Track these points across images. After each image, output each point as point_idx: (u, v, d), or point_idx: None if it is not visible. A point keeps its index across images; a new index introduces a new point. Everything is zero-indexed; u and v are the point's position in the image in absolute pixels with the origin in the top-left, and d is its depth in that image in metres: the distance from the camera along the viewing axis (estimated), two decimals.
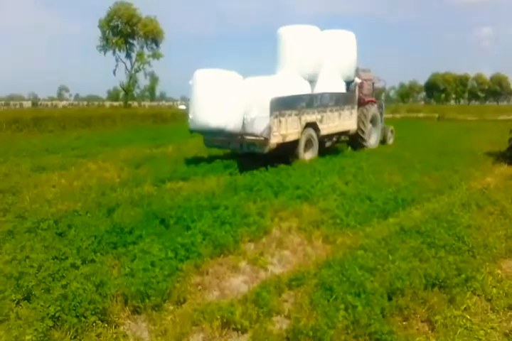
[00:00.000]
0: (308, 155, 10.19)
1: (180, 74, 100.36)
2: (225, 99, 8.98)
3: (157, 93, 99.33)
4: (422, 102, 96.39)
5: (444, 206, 6.22)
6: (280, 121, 9.16)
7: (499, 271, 4.03)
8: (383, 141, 14.35)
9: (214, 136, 9.92)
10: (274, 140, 9.06)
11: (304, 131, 9.94)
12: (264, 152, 9.16)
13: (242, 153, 10.26)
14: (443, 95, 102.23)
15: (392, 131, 15.07)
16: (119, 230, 4.73)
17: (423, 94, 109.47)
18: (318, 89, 11.05)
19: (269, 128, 8.87)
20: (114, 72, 50.39)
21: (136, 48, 51.26)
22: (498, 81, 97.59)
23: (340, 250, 4.62)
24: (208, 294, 3.72)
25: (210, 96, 8.98)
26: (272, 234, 5.14)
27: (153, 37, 50.03)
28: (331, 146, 12.32)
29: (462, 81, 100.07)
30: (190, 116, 9.37)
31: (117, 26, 49.05)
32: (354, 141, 12.78)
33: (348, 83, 12.41)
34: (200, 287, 3.82)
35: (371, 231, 5.12)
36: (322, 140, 11.03)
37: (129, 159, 11.00)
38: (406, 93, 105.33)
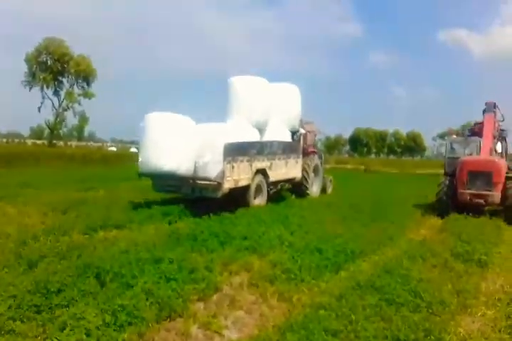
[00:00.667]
0: (257, 201, 10.33)
1: (111, 114, 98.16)
2: (177, 143, 8.99)
3: (86, 133, 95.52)
4: (346, 155, 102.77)
5: (391, 259, 6.23)
6: (233, 167, 9.30)
7: (461, 330, 3.93)
8: (323, 190, 14.84)
9: (164, 180, 9.77)
10: (227, 184, 9.14)
11: (254, 177, 10.13)
12: (217, 196, 9.17)
13: (185, 198, 10.04)
14: (365, 149, 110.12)
15: (331, 181, 15.75)
16: (43, 290, 3.97)
17: (347, 147, 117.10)
18: (267, 137, 11.46)
19: (223, 173, 8.95)
20: (39, 109, 47.45)
21: (66, 86, 49.19)
22: (413, 137, 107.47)
23: (297, 309, 4.30)
24: None
25: (162, 140, 8.94)
26: (222, 291, 4.69)
27: (85, 76, 48.60)
28: (274, 194, 12.34)
29: (382, 136, 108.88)
30: (141, 159, 9.26)
31: (46, 62, 47.02)
32: (298, 189, 13.07)
33: (293, 133, 13.02)
34: None
35: (326, 287, 4.88)
36: (269, 187, 11.19)
37: (55, 203, 9.95)
38: (332, 145, 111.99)
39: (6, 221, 7.83)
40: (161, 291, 4.16)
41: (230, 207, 9.34)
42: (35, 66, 46.43)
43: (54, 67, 47.17)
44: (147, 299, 3.98)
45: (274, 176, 11.09)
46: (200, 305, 4.30)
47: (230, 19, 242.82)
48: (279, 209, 10.13)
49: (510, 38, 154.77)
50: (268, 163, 10.79)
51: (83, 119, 58.27)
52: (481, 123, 13.74)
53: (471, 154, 11.81)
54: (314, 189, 13.83)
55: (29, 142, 67.15)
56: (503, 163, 10.90)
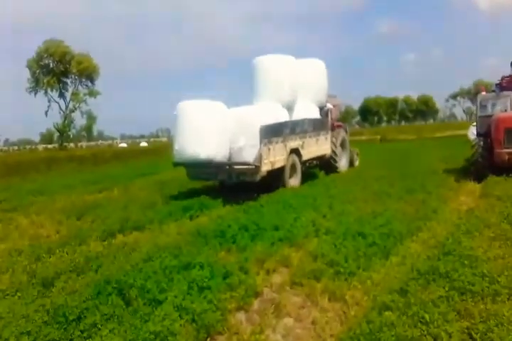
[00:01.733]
0: (292, 182, 10.20)
1: (118, 110, 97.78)
2: (212, 129, 8.98)
3: (95, 132, 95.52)
4: (357, 126, 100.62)
5: (444, 236, 5.52)
6: (269, 149, 9.19)
7: None
8: (350, 164, 14.50)
9: (199, 168, 9.68)
10: (265, 167, 9.05)
11: (288, 157, 10.04)
12: (255, 180, 9.04)
13: (203, 189, 9.91)
14: (376, 118, 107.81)
15: (357, 154, 15.46)
16: (61, 318, 3.44)
17: (357, 118, 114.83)
18: (296, 116, 11.18)
19: (260, 156, 8.84)
20: (46, 113, 47.27)
21: (70, 87, 48.82)
22: (425, 101, 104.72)
23: (353, 310, 3.68)
24: None
25: (198, 127, 8.92)
26: (263, 296, 4.10)
27: (88, 74, 48.01)
28: (305, 171, 12.14)
29: (393, 103, 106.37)
30: (176, 147, 9.22)
31: (48, 65, 46.52)
32: (326, 165, 12.87)
33: (321, 109, 12.78)
34: None
35: (381, 279, 4.24)
36: (302, 166, 11.07)
37: (69, 209, 9.45)
38: (343, 118, 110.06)
39: (18, 234, 7.35)
40: (195, 305, 3.59)
41: (255, 192, 8.99)
42: (37, 71, 45.94)
43: (56, 69, 46.58)
44: (180, 317, 3.41)
45: (306, 155, 11.00)
46: (241, 316, 3.71)
47: (224, 4, 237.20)
48: (303, 190, 9.49)
49: None
50: (300, 142, 10.68)
51: (91, 118, 58.07)
52: (510, 76, 12.74)
53: (505, 111, 10.85)
54: (342, 163, 13.58)
55: (40, 147, 67.21)
56: None
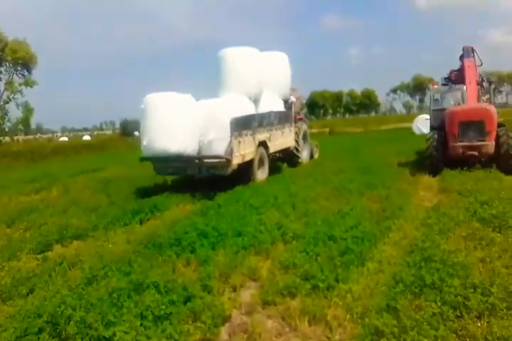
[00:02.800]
0: (260, 175, 10.15)
1: (58, 103, 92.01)
2: (181, 123, 8.74)
3: (33, 125, 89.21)
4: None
5: (416, 237, 5.22)
6: (239, 142, 9.07)
7: None
8: (311, 156, 14.62)
9: (168, 163, 9.38)
10: (236, 160, 8.94)
11: (256, 150, 9.95)
12: (226, 174, 8.95)
13: (156, 186, 9.55)
14: (322, 111, 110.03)
15: (317, 146, 15.62)
16: None
17: (305, 110, 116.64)
18: (262, 108, 11.13)
19: (231, 149, 8.72)
20: None
21: (5, 76, 44.76)
22: (367, 95, 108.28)
23: (337, 334, 3.19)
24: None
25: (166, 121, 8.65)
26: (232, 321, 3.50)
27: (25, 62, 44.23)
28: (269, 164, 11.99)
29: (338, 97, 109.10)
30: (144, 142, 8.90)
31: None
32: (289, 157, 12.92)
33: (285, 102, 12.80)
34: None
35: (362, 292, 3.79)
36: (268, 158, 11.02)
37: None
38: None
39: None
40: None
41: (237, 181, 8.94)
42: None
43: None
44: None
45: (273, 147, 10.95)
46: None
47: None
48: (262, 187, 8.96)
49: None
50: (268, 135, 10.63)
51: (28, 110, 53.92)
52: (458, 70, 12.94)
53: (458, 104, 10.95)
54: (304, 155, 13.67)
55: None
56: (493, 110, 10.06)
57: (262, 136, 10.27)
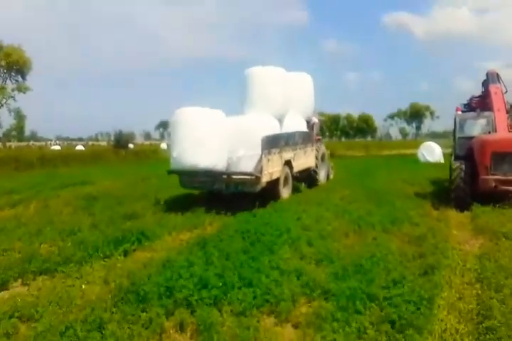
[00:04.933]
0: (285, 193, 10.08)
1: (56, 111, 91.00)
2: (212, 139, 8.73)
3: (27, 132, 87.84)
4: None
5: (473, 298, 4.00)
6: (268, 160, 9.05)
7: None
8: (327, 177, 14.55)
9: (195, 177, 9.24)
10: (265, 178, 8.90)
11: (282, 168, 9.94)
12: (255, 191, 8.86)
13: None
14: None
15: (332, 167, 15.53)
16: None
17: None
18: (286, 128, 11.01)
19: (261, 167, 8.71)
20: None
21: None
22: (365, 119, 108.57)
23: None
24: None
25: (197, 135, 8.61)
26: None
27: (19, 68, 43.40)
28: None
29: (335, 120, 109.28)
30: (174, 155, 8.85)
31: None
32: (308, 177, 12.79)
33: (307, 122, 12.86)
34: None
35: None
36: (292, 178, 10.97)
37: None
38: None
39: None
40: None
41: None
42: None
43: None
44: None
45: (296, 167, 10.97)
46: None
47: (171, 9, 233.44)
48: (271, 217, 7.71)
49: (449, 19, 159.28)
50: (292, 154, 10.66)
51: (20, 117, 52.80)
52: (479, 97, 12.07)
53: (489, 132, 9.93)
54: (322, 176, 13.69)
55: None
56: None
57: (287, 155, 10.27)
